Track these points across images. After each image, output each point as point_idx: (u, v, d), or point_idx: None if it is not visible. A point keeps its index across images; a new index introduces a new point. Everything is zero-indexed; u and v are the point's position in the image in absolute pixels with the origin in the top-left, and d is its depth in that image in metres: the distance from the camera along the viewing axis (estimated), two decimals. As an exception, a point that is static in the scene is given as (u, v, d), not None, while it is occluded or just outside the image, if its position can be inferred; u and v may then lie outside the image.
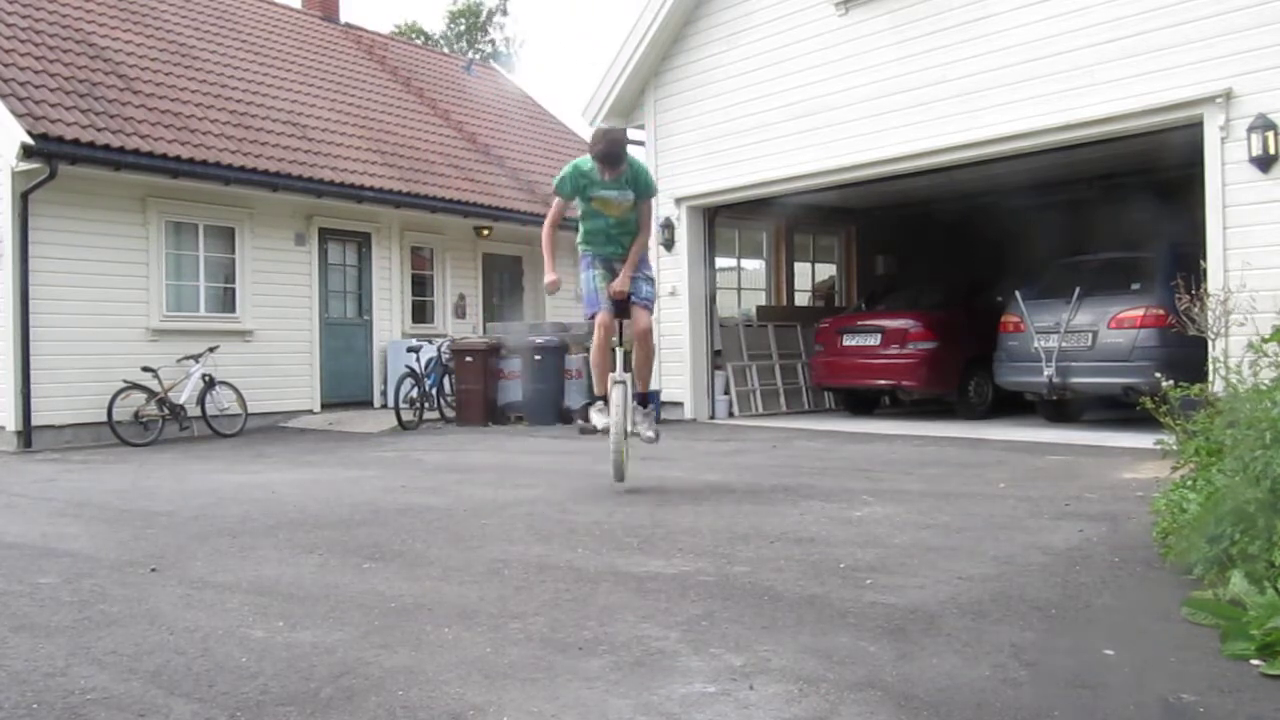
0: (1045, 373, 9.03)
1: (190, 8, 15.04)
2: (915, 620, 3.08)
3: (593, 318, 5.73)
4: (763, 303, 14.27)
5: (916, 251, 14.48)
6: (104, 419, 10.49)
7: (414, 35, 35.52)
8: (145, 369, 10.83)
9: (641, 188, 5.75)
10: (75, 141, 10.34)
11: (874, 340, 10.94)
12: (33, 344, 10.31)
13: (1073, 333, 8.98)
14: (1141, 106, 7.96)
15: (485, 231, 15.28)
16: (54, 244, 10.58)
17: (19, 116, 10.08)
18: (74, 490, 6.95)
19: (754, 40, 10.84)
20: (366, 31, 19.18)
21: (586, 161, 5.67)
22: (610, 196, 5.67)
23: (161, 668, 2.80)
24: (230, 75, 13.84)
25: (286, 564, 4.15)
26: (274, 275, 12.71)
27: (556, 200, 5.80)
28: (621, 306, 5.74)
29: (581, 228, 5.89)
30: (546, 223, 5.91)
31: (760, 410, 12.26)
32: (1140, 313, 8.55)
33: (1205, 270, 6.68)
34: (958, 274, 12.23)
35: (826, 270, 15.58)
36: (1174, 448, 4.44)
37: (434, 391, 12.40)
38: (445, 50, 32.59)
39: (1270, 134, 7.25)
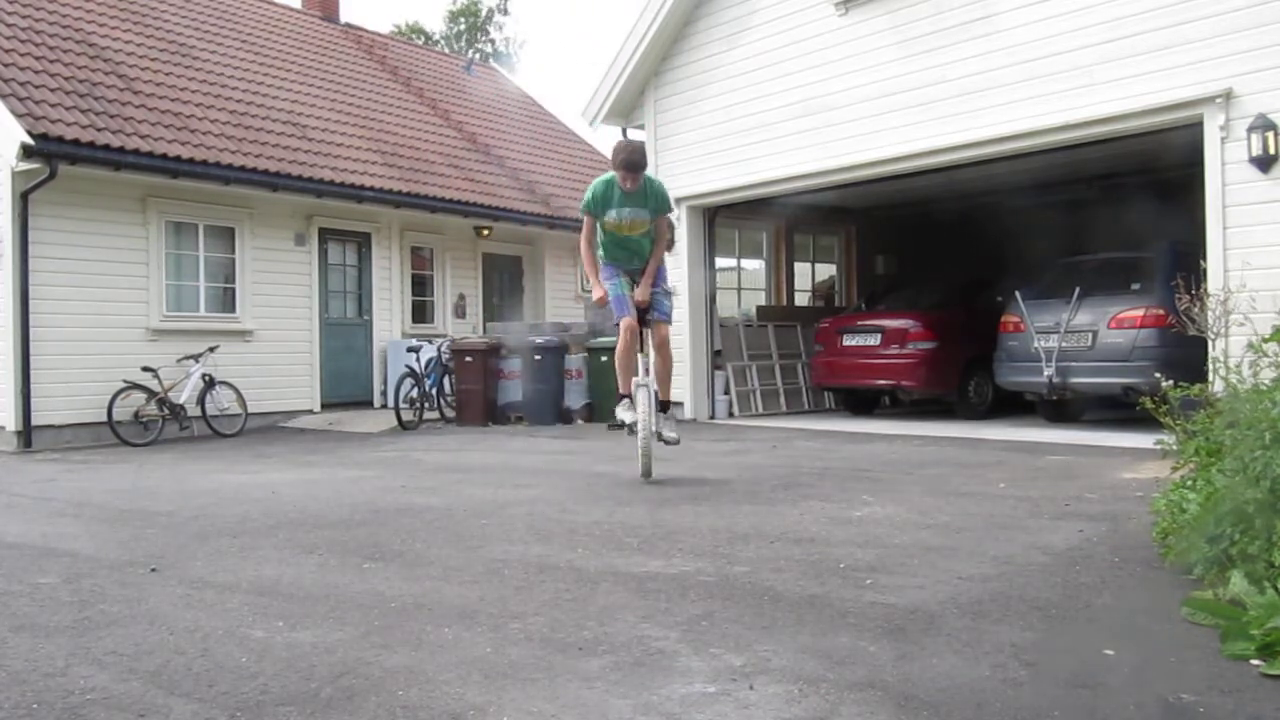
0: (1045, 373, 9.03)
1: (190, 8, 15.05)
2: (915, 620, 3.08)
3: (619, 323, 6.13)
4: (763, 303, 14.28)
5: (916, 251, 14.48)
6: (104, 419, 10.49)
7: (414, 35, 35.52)
8: (145, 369, 10.83)
9: (659, 204, 6.15)
10: (75, 141, 10.34)
11: (874, 340, 10.94)
12: (33, 344, 10.31)
13: (1073, 333, 8.98)
14: (1141, 106, 7.95)
15: (485, 231, 15.29)
16: (54, 244, 10.58)
17: (19, 116, 10.08)
18: (74, 490, 6.95)
19: (754, 40, 10.84)
20: (366, 31, 19.18)
21: (605, 177, 6.12)
22: (626, 216, 6.05)
23: (161, 668, 2.80)
24: (230, 75, 13.84)
25: (286, 564, 4.15)
26: (274, 275, 12.71)
27: (587, 219, 6.22)
28: (641, 314, 6.14)
29: (601, 246, 6.29)
30: (583, 242, 6.30)
31: (760, 410, 12.27)
32: (1140, 313, 8.55)
33: (1205, 270, 6.68)
34: (958, 274, 12.23)
35: (826, 270, 15.59)
36: (1174, 448, 4.44)
37: (434, 391, 12.40)
38: (445, 50, 32.60)
39: (1270, 134, 7.25)
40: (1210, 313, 6.17)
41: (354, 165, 13.53)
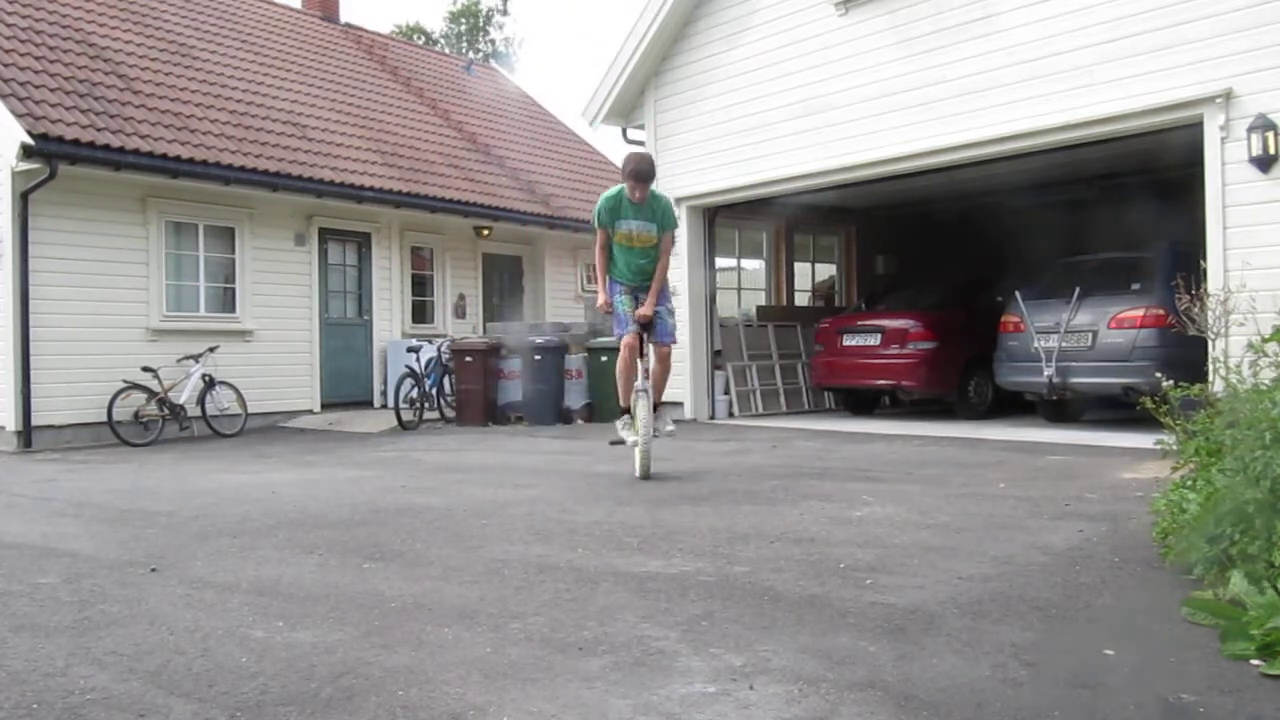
0: (1045, 373, 9.03)
1: (190, 8, 15.05)
2: (915, 620, 3.08)
3: (621, 337, 6.36)
4: (763, 303, 14.27)
5: (916, 251, 14.48)
6: (104, 419, 10.49)
7: (414, 35, 35.52)
8: (145, 369, 10.83)
9: (665, 220, 6.37)
10: (75, 141, 10.34)
11: (874, 340, 10.93)
12: (33, 344, 10.31)
13: (1073, 333, 8.98)
14: (1141, 106, 7.95)
15: (485, 231, 15.29)
16: (54, 244, 10.57)
17: (19, 116, 10.08)
18: (74, 490, 6.95)
19: (754, 40, 10.84)
20: (366, 31, 19.18)
21: (614, 190, 6.31)
22: (635, 228, 6.28)
23: (161, 668, 2.80)
24: (230, 75, 13.84)
25: (286, 564, 4.15)
26: (274, 275, 12.71)
27: (600, 232, 6.41)
28: (645, 327, 6.37)
29: (613, 261, 6.49)
30: (597, 250, 6.49)
31: (760, 410, 12.26)
32: (1140, 313, 8.54)
33: (1205, 270, 6.68)
34: (958, 274, 12.23)
35: (826, 270, 15.58)
36: (1174, 448, 4.44)
37: (434, 391, 12.40)
38: (445, 50, 32.60)
39: (1270, 134, 7.25)
40: (1210, 313, 6.17)
41: (354, 165, 13.53)
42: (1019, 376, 9.52)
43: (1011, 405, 10.62)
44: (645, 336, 6.36)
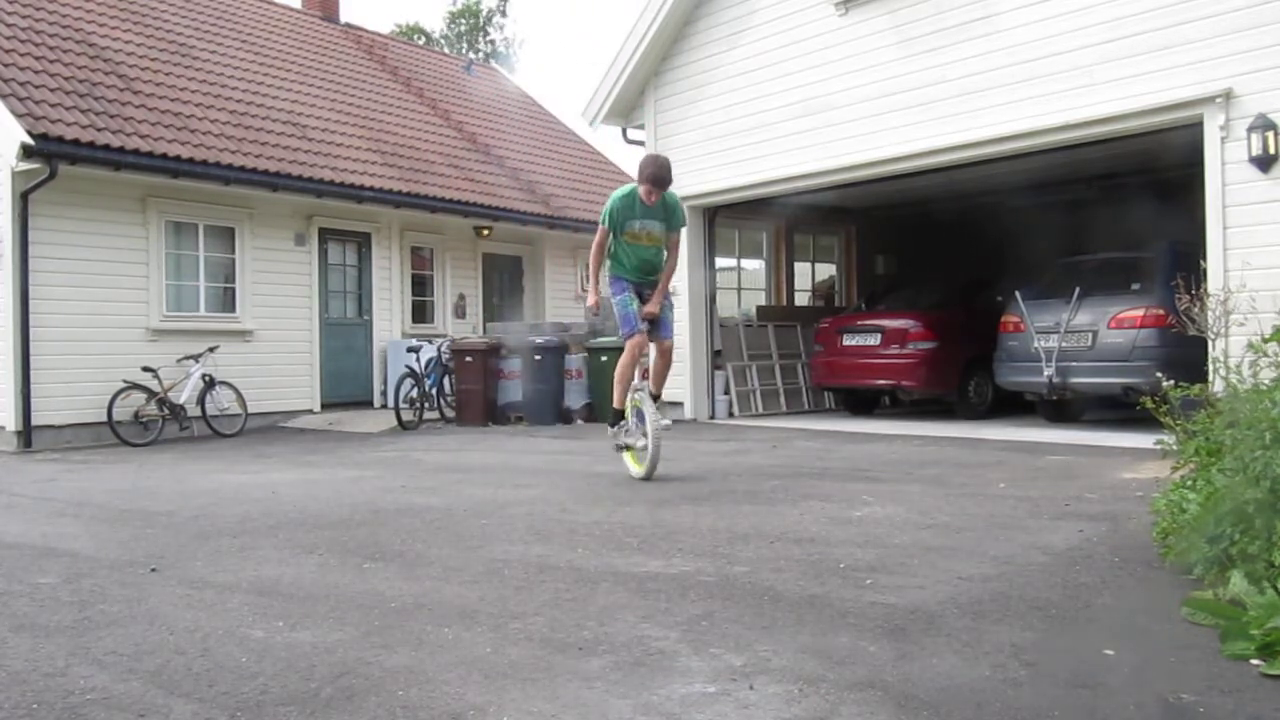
0: (1045, 373, 9.03)
1: (190, 8, 15.04)
2: (915, 620, 3.08)
3: (629, 337, 6.29)
4: (763, 303, 14.27)
5: (916, 251, 14.48)
6: (104, 419, 10.49)
7: (414, 35, 35.52)
8: (145, 369, 10.83)
9: (675, 218, 6.38)
10: (75, 141, 10.34)
11: (874, 340, 10.93)
12: (33, 344, 10.31)
13: (1073, 333, 8.98)
14: (1141, 106, 7.95)
15: (485, 231, 15.29)
16: (54, 244, 10.57)
17: (19, 116, 10.08)
18: (74, 490, 6.95)
19: (754, 40, 10.84)
20: (366, 31, 19.18)
21: (626, 190, 6.27)
22: (646, 227, 6.26)
23: (161, 668, 2.80)
24: (230, 75, 13.84)
25: (286, 564, 4.15)
26: (274, 275, 12.71)
27: (600, 229, 6.33)
28: (649, 325, 6.34)
29: (614, 259, 6.42)
30: (594, 248, 6.42)
31: (760, 410, 12.26)
32: (1140, 313, 8.54)
33: (1205, 270, 6.68)
34: (958, 274, 12.23)
35: (826, 270, 15.58)
36: (1174, 448, 4.44)
37: (434, 391, 12.40)
38: (445, 50, 32.60)
39: (1270, 134, 7.25)
40: (1210, 313, 6.17)
41: (354, 165, 13.53)
42: (1019, 376, 9.52)
43: (1011, 405, 10.62)
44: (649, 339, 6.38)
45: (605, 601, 3.39)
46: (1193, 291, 6.04)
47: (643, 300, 6.31)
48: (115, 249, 11.15)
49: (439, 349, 12.65)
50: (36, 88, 10.80)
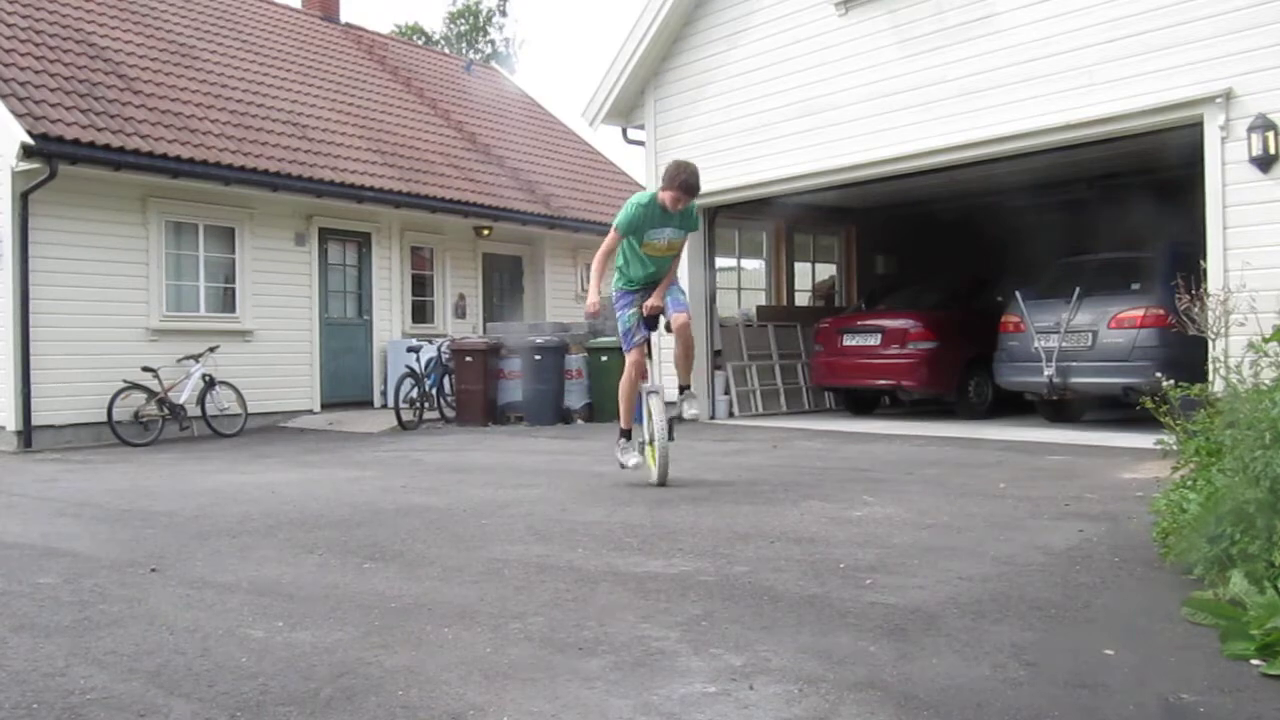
0: (1045, 373, 9.03)
1: (190, 8, 15.04)
2: (915, 620, 3.08)
3: (628, 351, 6.10)
4: (763, 303, 14.27)
5: (916, 251, 14.48)
6: (104, 419, 10.49)
7: (414, 35, 35.52)
8: (145, 369, 10.83)
9: (690, 224, 6.12)
10: (75, 141, 10.33)
11: (874, 340, 10.93)
12: (33, 344, 10.31)
13: (1073, 333, 8.98)
14: (1141, 106, 7.95)
15: (485, 231, 15.29)
16: (54, 244, 10.57)
17: (19, 116, 10.08)
18: (74, 490, 6.95)
19: (754, 40, 10.84)
20: (366, 31, 19.18)
21: (645, 197, 6.02)
22: (664, 237, 6.00)
23: (161, 668, 2.80)
24: (230, 75, 13.84)
25: (286, 564, 4.15)
26: (274, 275, 12.71)
27: (612, 235, 6.10)
28: (653, 322, 6.13)
29: (622, 269, 6.18)
30: (601, 252, 6.20)
31: (760, 410, 12.26)
32: (1140, 313, 8.54)
33: (1205, 270, 6.67)
34: (958, 274, 12.23)
35: (826, 270, 15.58)
36: (1174, 448, 4.43)
37: (434, 391, 12.40)
38: (445, 50, 32.60)
39: (1270, 134, 7.25)
40: (1210, 313, 6.16)
41: (354, 165, 13.53)
42: (1019, 376, 9.52)
43: (1011, 405, 10.61)
44: (650, 337, 6.13)
45: (605, 601, 3.39)
46: (1193, 291, 6.04)
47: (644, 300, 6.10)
48: (115, 249, 11.15)
49: (439, 349, 12.65)
50: (36, 88, 10.80)
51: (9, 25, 11.67)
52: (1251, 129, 7.33)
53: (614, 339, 11.66)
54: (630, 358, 6.07)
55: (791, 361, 13.03)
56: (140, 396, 10.80)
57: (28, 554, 4.55)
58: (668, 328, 6.14)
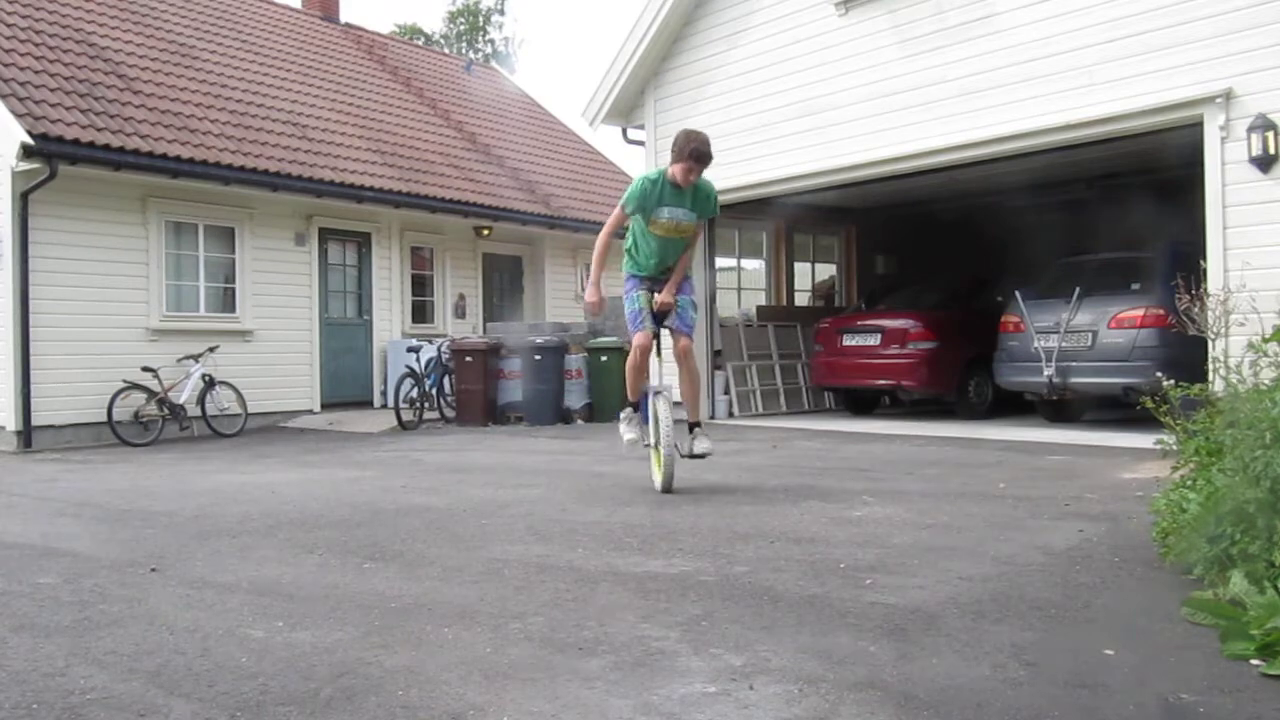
0: (1045, 373, 9.03)
1: (190, 8, 15.05)
2: (915, 620, 3.08)
3: (635, 334, 5.76)
4: (763, 303, 14.27)
5: (916, 251, 14.48)
6: (104, 419, 10.49)
7: (413, 36, 35.52)
8: (145, 369, 10.83)
9: (707, 207, 5.73)
10: (75, 141, 10.34)
11: (874, 340, 10.93)
12: (33, 344, 10.31)
13: (1073, 333, 8.98)
14: (1141, 107, 7.95)
15: (485, 231, 15.29)
16: (54, 244, 10.58)
17: (19, 116, 10.08)
18: (74, 490, 6.95)
19: (754, 40, 10.84)
20: (366, 31, 19.18)
21: (655, 173, 5.67)
22: (676, 217, 5.63)
23: (161, 668, 2.80)
24: (230, 75, 13.84)
25: (286, 564, 4.15)
26: (274, 275, 12.71)
27: (617, 212, 5.75)
28: (661, 318, 5.78)
29: (630, 252, 5.85)
30: (604, 232, 5.83)
31: (760, 410, 12.26)
32: (1140, 313, 8.54)
33: (1205, 270, 6.67)
34: (958, 274, 12.22)
35: (826, 270, 15.58)
36: (1174, 448, 4.43)
37: (434, 391, 12.40)
38: (445, 50, 32.60)
39: (1270, 134, 7.25)
40: (1210, 313, 6.16)
41: (354, 165, 13.53)
42: (1019, 376, 9.52)
43: (1011, 405, 10.61)
44: (659, 331, 5.78)
45: (605, 601, 3.39)
46: (1193, 291, 6.04)
47: (655, 294, 5.74)
48: (115, 249, 11.15)
49: (439, 349, 12.65)
50: (36, 88, 10.80)
51: (9, 25, 11.67)
52: (1251, 129, 7.33)
53: (614, 339, 11.68)
54: (636, 339, 5.70)
55: (791, 361, 13.02)
56: (140, 396, 10.80)
57: (28, 554, 4.55)
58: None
